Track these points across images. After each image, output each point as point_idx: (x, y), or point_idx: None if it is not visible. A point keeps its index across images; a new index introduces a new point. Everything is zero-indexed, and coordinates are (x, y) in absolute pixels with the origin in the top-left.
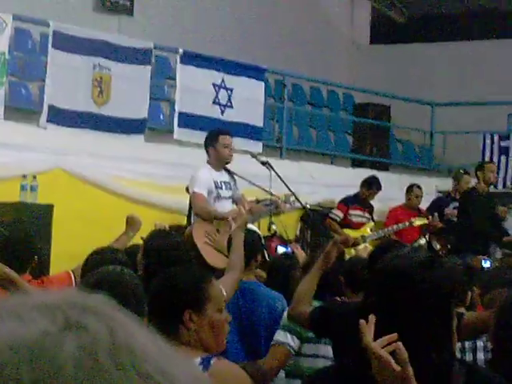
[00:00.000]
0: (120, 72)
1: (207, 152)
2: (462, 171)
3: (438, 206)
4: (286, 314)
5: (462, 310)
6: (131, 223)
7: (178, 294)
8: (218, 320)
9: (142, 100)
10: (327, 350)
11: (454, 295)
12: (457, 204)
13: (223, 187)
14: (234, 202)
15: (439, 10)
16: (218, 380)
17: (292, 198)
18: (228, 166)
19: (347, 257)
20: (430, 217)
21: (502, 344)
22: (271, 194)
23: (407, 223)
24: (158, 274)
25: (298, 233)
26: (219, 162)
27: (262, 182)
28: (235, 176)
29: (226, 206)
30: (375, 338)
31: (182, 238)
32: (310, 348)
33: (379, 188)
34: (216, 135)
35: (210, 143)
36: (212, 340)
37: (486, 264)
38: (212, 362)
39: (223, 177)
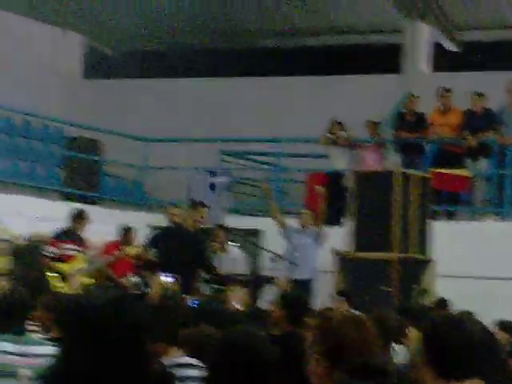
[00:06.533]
0: None
1: None
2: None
3: (155, 241)
4: None
5: None
6: None
7: None
8: None
9: None
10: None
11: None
12: None
13: None
14: None
15: (152, 46)
16: None
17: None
18: None
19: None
20: (145, 249)
21: None
22: None
23: (119, 252)
24: None
25: (10, 266)
26: None
27: None
28: None
29: None
30: None
31: None
32: None
33: (87, 221)
34: None
35: None
36: None
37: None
38: None
39: None
